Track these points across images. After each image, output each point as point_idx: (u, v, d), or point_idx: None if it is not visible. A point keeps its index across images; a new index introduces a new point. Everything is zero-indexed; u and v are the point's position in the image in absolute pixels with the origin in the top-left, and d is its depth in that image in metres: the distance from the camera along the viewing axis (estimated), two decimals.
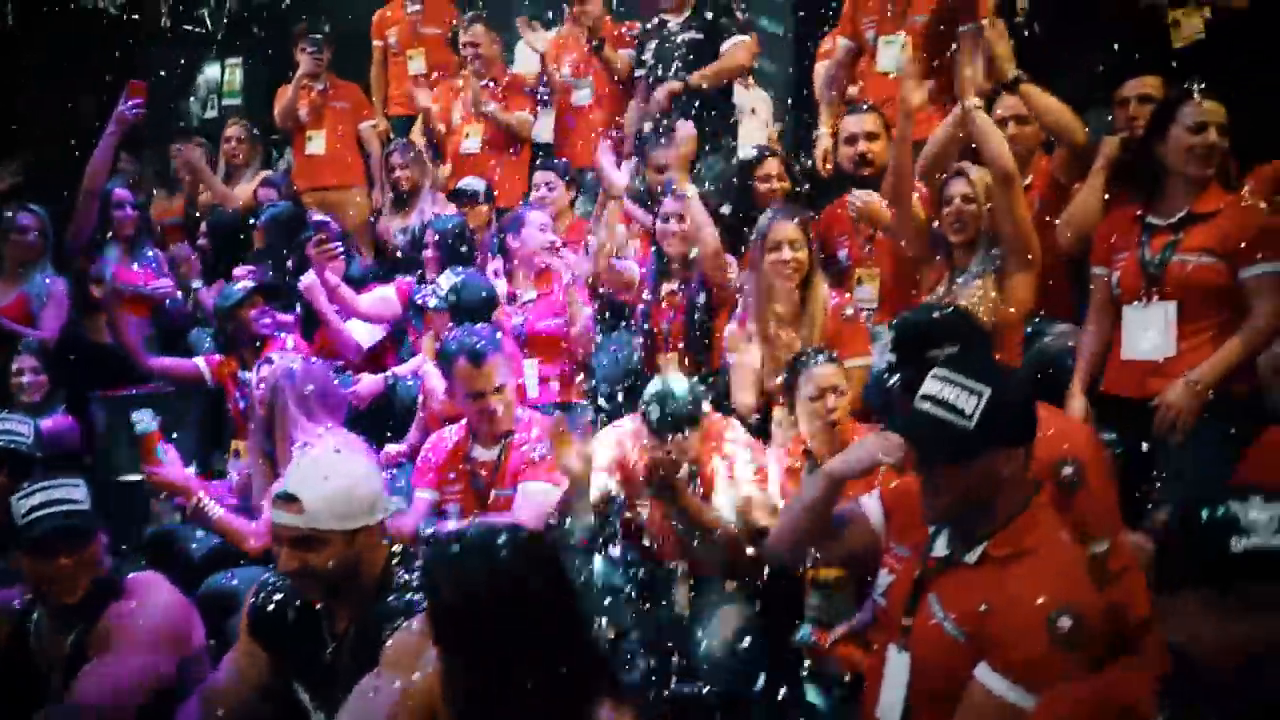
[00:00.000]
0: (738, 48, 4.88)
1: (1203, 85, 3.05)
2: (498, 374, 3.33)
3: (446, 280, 3.95)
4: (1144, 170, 3.16)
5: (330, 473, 2.40)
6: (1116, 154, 3.44)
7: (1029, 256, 3.33)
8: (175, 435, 3.90)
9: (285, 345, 4.06)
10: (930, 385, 2.08)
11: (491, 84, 5.47)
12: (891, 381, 2.47)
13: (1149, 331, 3.03)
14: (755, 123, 5.64)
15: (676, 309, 3.95)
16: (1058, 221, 3.57)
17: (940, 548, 2.10)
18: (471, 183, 4.95)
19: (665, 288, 4.01)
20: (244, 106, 6.83)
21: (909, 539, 2.20)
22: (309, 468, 2.45)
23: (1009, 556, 2.00)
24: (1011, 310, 3.33)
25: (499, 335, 3.51)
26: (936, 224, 3.55)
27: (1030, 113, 3.63)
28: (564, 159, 5.35)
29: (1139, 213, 3.15)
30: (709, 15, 4.93)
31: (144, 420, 3.19)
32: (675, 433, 3.08)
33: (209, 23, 7.84)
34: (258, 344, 4.12)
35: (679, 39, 4.94)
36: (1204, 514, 1.42)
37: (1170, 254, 3.04)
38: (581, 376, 4.13)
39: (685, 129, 3.83)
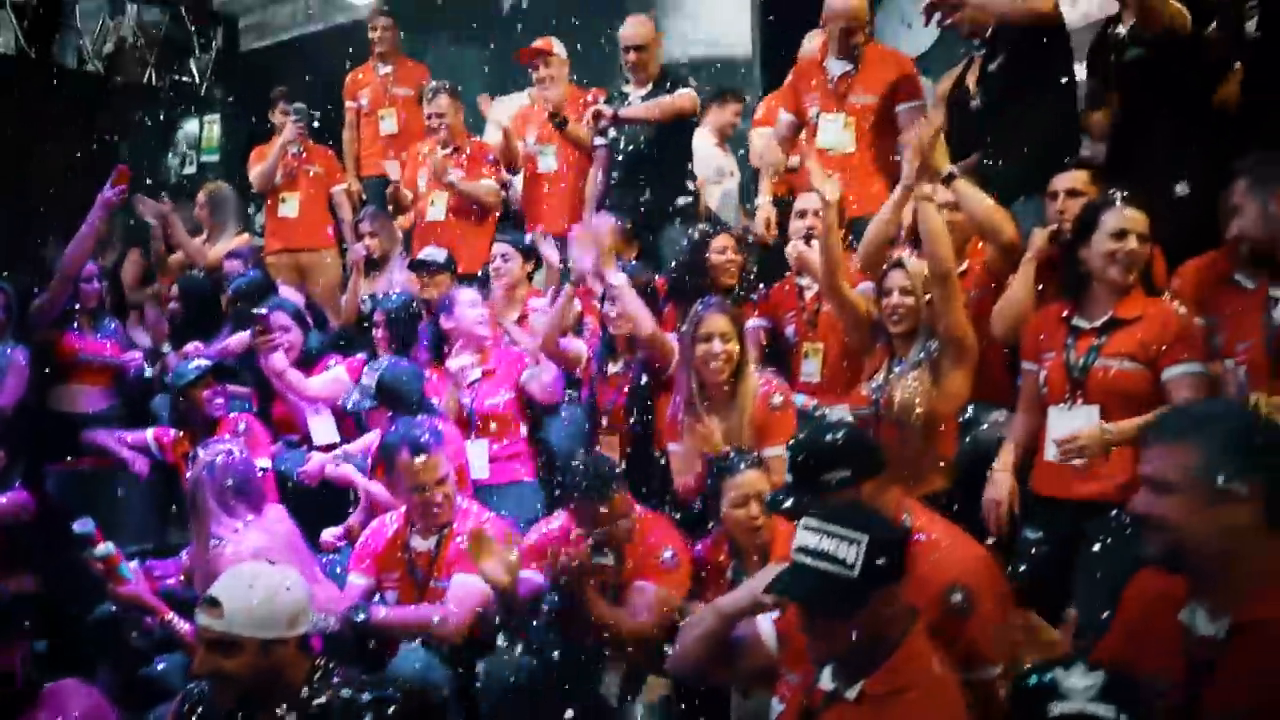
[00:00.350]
0: (680, 95, 4.98)
1: (1126, 192, 3.09)
2: (440, 467, 3.39)
3: (369, 377, 3.99)
4: (1070, 272, 3.19)
5: (255, 582, 2.48)
6: (1046, 246, 3.47)
7: (964, 351, 3.36)
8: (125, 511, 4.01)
9: (238, 427, 4.11)
10: (805, 537, 2.10)
11: (456, 152, 5.53)
12: (785, 505, 2.47)
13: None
14: (731, 184, 5.74)
15: (620, 388, 4.00)
16: (992, 311, 3.60)
17: (826, 680, 2.12)
18: (432, 253, 5.00)
19: (611, 367, 4.05)
20: (221, 163, 6.95)
21: (799, 667, 2.22)
22: (237, 574, 2.54)
23: (887, 694, 2.03)
24: (946, 402, 3.37)
25: (440, 427, 3.56)
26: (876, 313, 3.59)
27: None
28: (527, 232, 5.41)
29: (1065, 314, 3.18)
30: (670, 89, 5.01)
31: (86, 527, 3.27)
32: (590, 503, 3.16)
33: (195, 76, 7.99)
34: (211, 424, 4.16)
35: None
36: (1031, 679, 1.45)
37: (1094, 358, 3.06)
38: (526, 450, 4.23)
39: (603, 222, 3.90)
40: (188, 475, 3.54)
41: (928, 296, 3.39)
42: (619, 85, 5.24)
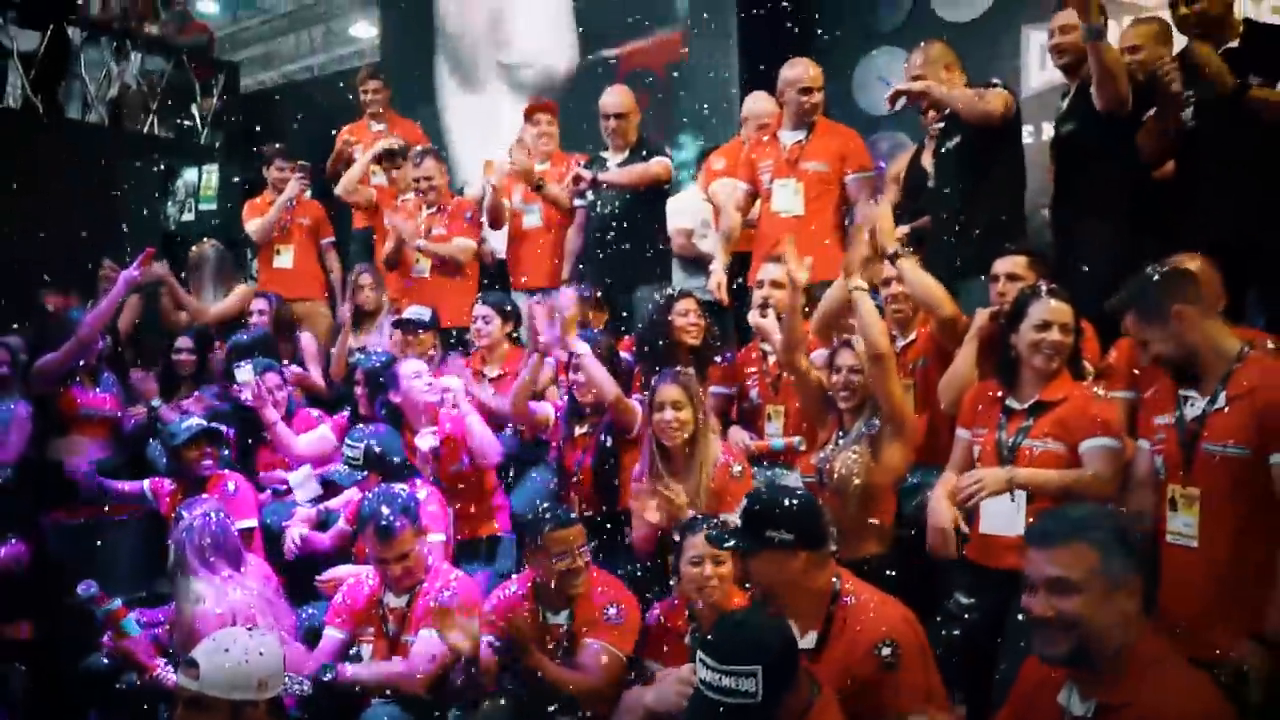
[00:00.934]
0: (654, 163, 5.24)
1: (1053, 285, 3.31)
2: (404, 544, 3.59)
3: (351, 448, 4.18)
4: (1003, 355, 3.41)
5: (231, 646, 2.72)
6: (987, 325, 3.70)
7: (902, 427, 3.59)
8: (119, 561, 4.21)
9: (227, 486, 4.33)
10: (706, 674, 2.32)
11: (439, 212, 5.77)
12: (727, 544, 2.79)
13: (1002, 510, 3.24)
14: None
15: (587, 450, 4.20)
16: (939, 382, 3.83)
17: None
18: (417, 312, 5.22)
19: (577, 429, 4.27)
20: (219, 212, 7.19)
21: None
22: (216, 639, 2.79)
23: None
24: (883, 475, 3.60)
25: (414, 500, 3.77)
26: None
27: None
28: (512, 287, 5.74)
29: (999, 393, 3.40)
30: (645, 154, 5.26)
31: (89, 590, 3.58)
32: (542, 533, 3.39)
33: (197, 122, 8.23)
34: (200, 481, 4.38)
35: None
36: None
37: (1021, 439, 3.27)
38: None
39: (567, 295, 4.11)
40: (169, 536, 3.76)
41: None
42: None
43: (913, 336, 4.10)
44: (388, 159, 6.19)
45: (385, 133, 6.53)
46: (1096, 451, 3.17)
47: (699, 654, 2.37)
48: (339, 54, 10.74)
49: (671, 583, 3.54)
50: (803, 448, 4.21)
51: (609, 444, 4.14)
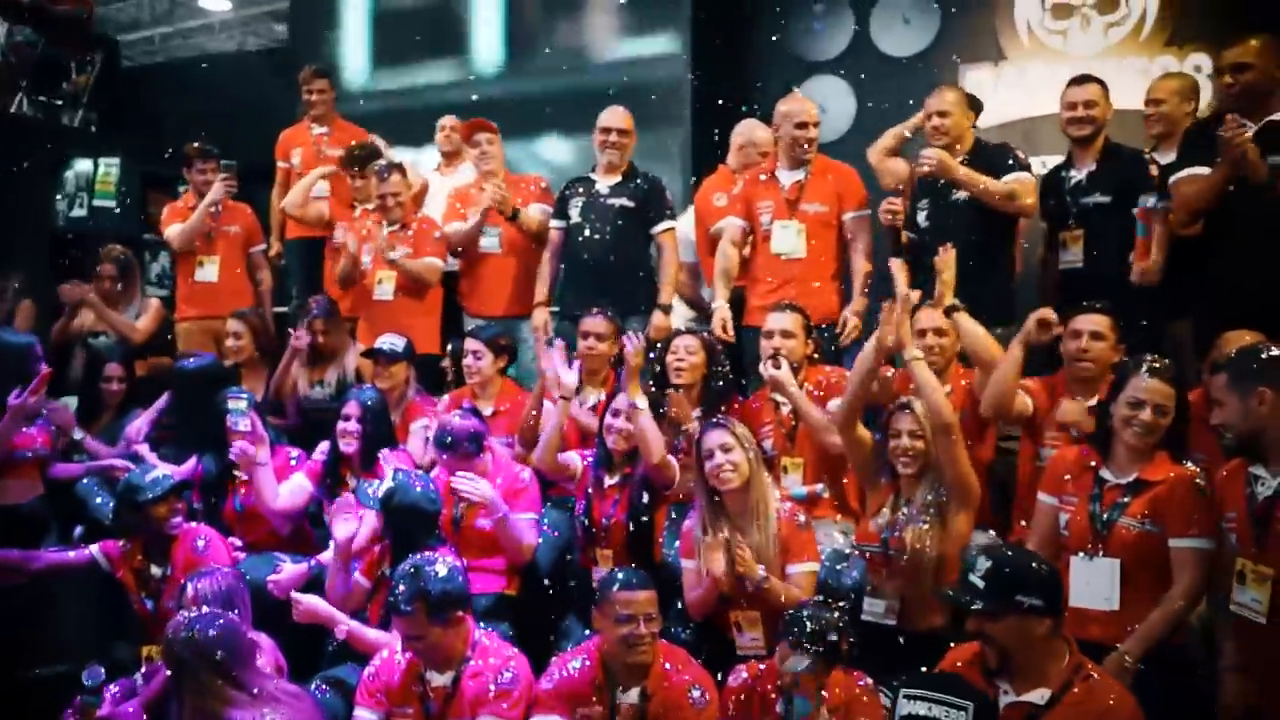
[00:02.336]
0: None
1: (1157, 363, 3.24)
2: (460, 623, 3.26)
3: (383, 486, 3.75)
4: (1101, 426, 3.36)
5: None
6: (1036, 331, 3.68)
7: (969, 494, 3.53)
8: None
9: (196, 543, 3.86)
10: (910, 706, 2.36)
11: (403, 229, 5.35)
12: (975, 607, 2.72)
13: (1095, 584, 3.21)
14: None
15: (618, 502, 3.96)
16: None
17: None
18: (390, 341, 4.81)
19: (607, 480, 4.01)
20: (118, 208, 6.49)
21: None
22: None
23: None
24: (952, 544, 3.50)
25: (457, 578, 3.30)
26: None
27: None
28: (465, 311, 5.43)
29: (1094, 463, 3.34)
30: (641, 184, 5.02)
31: (96, 679, 3.19)
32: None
33: (71, 102, 7.44)
34: (166, 540, 3.90)
35: (610, 203, 5.02)
36: None
37: (1117, 515, 3.23)
38: None
39: (633, 343, 3.87)
40: (161, 654, 3.13)
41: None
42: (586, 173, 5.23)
43: (948, 389, 4.02)
44: (352, 165, 5.68)
45: (325, 136, 6.03)
46: (1186, 553, 3.15)
47: (902, 692, 2.40)
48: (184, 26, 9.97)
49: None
50: (825, 494, 4.15)
51: (645, 500, 3.89)
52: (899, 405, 3.61)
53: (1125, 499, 3.25)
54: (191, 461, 4.43)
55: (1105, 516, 3.26)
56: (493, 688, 3.21)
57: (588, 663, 3.30)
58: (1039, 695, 2.69)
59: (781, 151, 4.88)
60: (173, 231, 5.71)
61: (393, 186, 5.31)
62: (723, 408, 4.26)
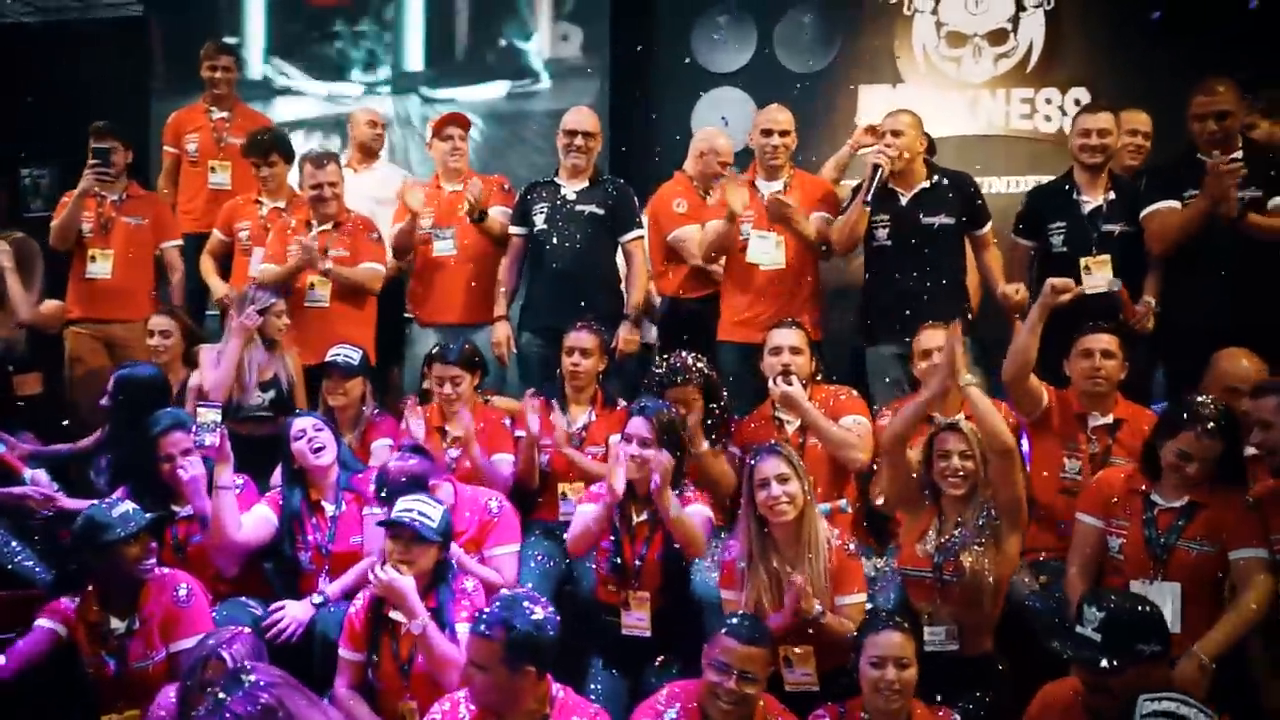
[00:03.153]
0: None
1: (1210, 425, 3.27)
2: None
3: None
4: (1149, 455, 3.43)
5: None
6: (1051, 298, 3.72)
7: (1020, 517, 3.50)
8: None
9: (178, 591, 3.35)
10: (1157, 704, 2.40)
11: (336, 228, 4.86)
12: (1102, 664, 2.67)
13: None
14: None
15: (649, 541, 3.70)
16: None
17: None
18: (345, 353, 4.34)
19: (636, 518, 3.72)
20: None
21: None
22: None
23: None
24: (1006, 566, 3.47)
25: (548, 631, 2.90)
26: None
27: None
28: (413, 316, 5.06)
29: (1144, 488, 3.41)
30: (611, 191, 4.80)
31: None
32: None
33: None
34: (134, 585, 3.35)
35: (579, 209, 4.76)
36: None
37: (1175, 539, 3.31)
38: None
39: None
40: None
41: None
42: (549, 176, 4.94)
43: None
44: (255, 152, 5.10)
45: (227, 121, 5.43)
46: (1250, 562, 3.26)
47: (1143, 698, 2.44)
48: None
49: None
50: (848, 510, 4.06)
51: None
52: (946, 426, 3.54)
53: (1180, 522, 3.33)
54: None
55: (1163, 541, 3.33)
56: None
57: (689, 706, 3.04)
58: None
59: (759, 162, 4.75)
60: (52, 227, 4.99)
61: (330, 176, 4.81)
62: (724, 433, 4.13)
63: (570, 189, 4.78)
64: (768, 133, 4.67)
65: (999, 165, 5.91)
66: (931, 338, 4.01)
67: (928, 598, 3.48)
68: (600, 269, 4.79)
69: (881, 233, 4.52)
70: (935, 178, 4.53)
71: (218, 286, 5.14)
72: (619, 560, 3.69)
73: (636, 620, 3.64)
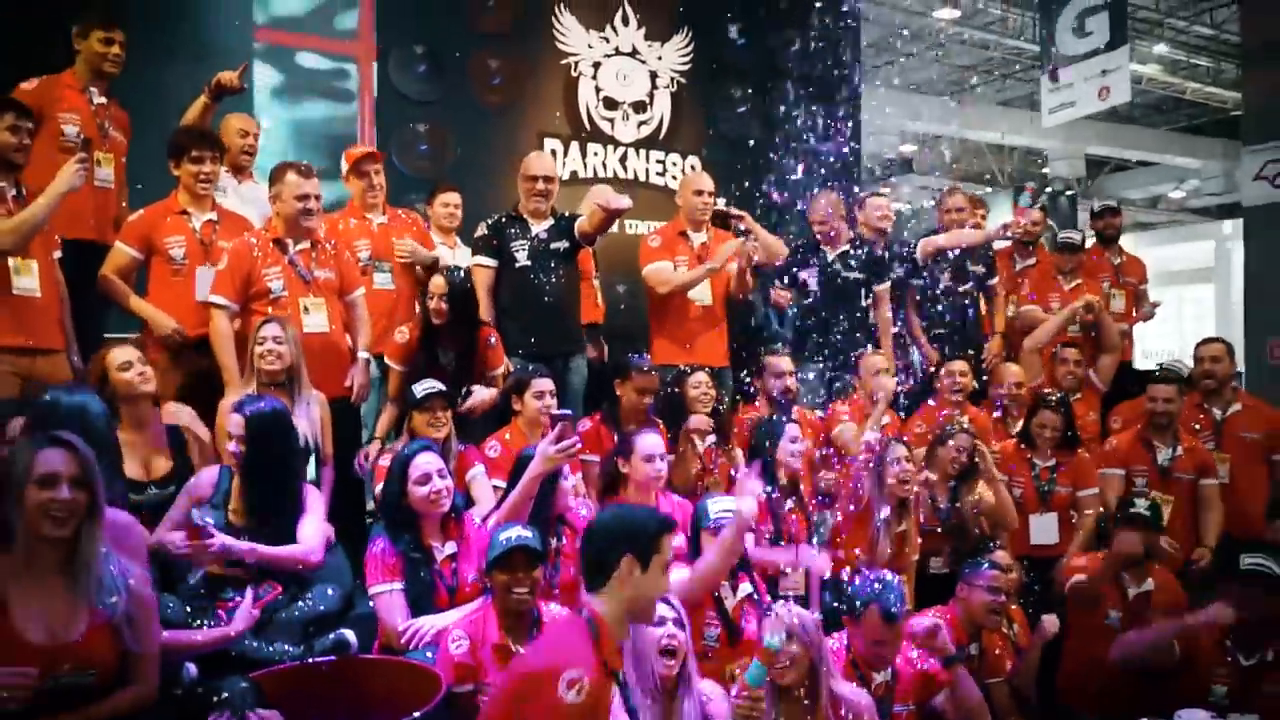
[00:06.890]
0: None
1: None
2: None
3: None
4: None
5: None
6: (1083, 313, 5.75)
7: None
8: None
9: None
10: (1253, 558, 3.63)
11: (313, 247, 4.46)
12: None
13: None
14: None
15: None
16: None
17: None
18: (434, 384, 4.20)
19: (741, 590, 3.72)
20: None
21: None
22: None
23: None
24: None
25: None
26: None
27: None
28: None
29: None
30: (564, 225, 5.12)
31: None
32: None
33: None
34: None
35: (553, 247, 5.08)
36: None
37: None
38: None
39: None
40: None
41: None
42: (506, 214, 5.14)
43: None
44: (191, 147, 4.33)
45: (106, 110, 4.39)
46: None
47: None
48: None
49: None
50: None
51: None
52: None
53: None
54: None
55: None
56: None
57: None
58: None
59: (685, 215, 5.57)
60: None
61: (315, 187, 4.39)
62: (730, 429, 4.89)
63: (539, 228, 5.07)
64: (699, 193, 5.53)
65: (642, 211, 6.77)
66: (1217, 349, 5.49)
67: None
68: (575, 301, 5.19)
69: (811, 279, 5.75)
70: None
71: (163, 321, 4.24)
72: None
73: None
